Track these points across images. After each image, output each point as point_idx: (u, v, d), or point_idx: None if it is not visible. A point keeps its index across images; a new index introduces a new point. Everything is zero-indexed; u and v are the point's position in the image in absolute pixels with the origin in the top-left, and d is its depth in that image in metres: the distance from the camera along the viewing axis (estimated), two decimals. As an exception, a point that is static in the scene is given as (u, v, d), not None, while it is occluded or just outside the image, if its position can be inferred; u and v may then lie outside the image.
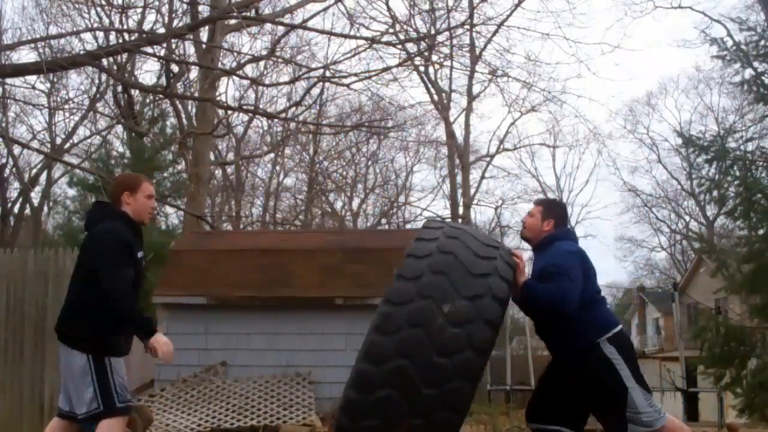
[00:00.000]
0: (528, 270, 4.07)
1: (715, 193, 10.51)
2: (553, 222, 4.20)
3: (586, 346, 3.92)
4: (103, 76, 20.74)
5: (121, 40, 10.91)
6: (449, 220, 4.45)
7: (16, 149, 23.89)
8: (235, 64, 17.37)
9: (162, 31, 14.12)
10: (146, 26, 17.59)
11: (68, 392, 3.98)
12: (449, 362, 3.32)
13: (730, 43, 11.03)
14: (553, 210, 4.30)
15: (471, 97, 27.49)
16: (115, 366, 3.91)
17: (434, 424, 3.33)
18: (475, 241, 3.69)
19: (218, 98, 16.80)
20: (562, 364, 4.07)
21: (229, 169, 27.51)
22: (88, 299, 3.91)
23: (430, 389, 3.31)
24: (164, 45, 12.83)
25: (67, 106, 22.79)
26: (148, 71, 48.83)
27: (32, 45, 18.06)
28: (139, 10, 16.59)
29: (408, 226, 30.27)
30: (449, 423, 3.38)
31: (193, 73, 18.67)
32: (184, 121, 20.14)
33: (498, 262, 3.61)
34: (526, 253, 5.39)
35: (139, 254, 4.00)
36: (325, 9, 16.40)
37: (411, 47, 12.73)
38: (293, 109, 17.82)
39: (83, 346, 3.90)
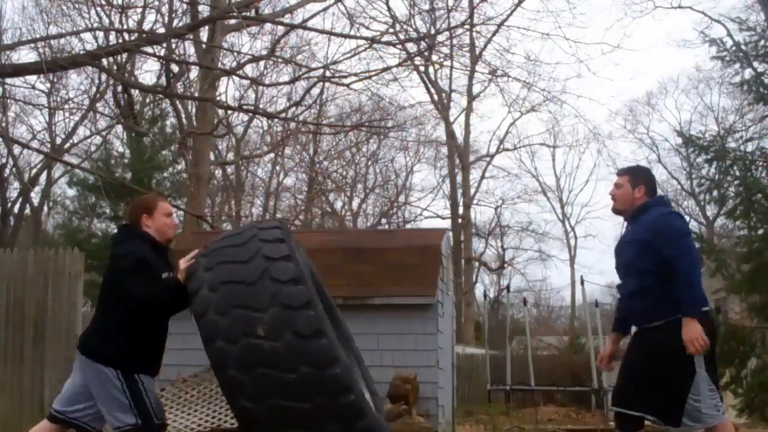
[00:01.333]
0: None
1: (715, 193, 10.50)
2: (644, 188, 4.06)
3: (674, 318, 3.79)
4: (103, 76, 20.74)
5: (121, 40, 10.91)
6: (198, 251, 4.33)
7: (16, 149, 23.93)
8: (235, 64, 17.37)
9: (162, 31, 14.12)
10: (146, 26, 17.58)
11: (77, 399, 3.96)
12: (304, 367, 3.21)
13: (730, 43, 11.03)
14: (642, 176, 4.14)
15: (471, 97, 27.51)
16: (146, 384, 3.91)
17: (338, 416, 3.26)
18: (232, 249, 3.52)
19: (218, 98, 16.79)
20: (643, 338, 3.94)
21: (229, 169, 27.53)
22: (112, 319, 3.91)
23: (311, 401, 3.22)
24: (164, 45, 12.83)
25: (67, 106, 22.79)
26: (148, 71, 48.82)
27: (32, 45, 18.08)
28: (139, 10, 16.59)
29: (408, 226, 30.29)
30: (349, 404, 3.27)
31: (193, 73, 18.69)
32: (184, 121, 20.15)
33: (264, 249, 3.44)
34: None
35: (164, 275, 3.97)
36: (325, 9, 16.39)
37: (411, 47, 12.73)
38: (293, 109, 17.82)
39: (110, 362, 3.88)
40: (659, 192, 4.30)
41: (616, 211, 4.18)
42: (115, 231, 4.40)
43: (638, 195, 4.05)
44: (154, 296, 3.81)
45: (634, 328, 4.17)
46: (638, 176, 4.13)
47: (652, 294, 3.86)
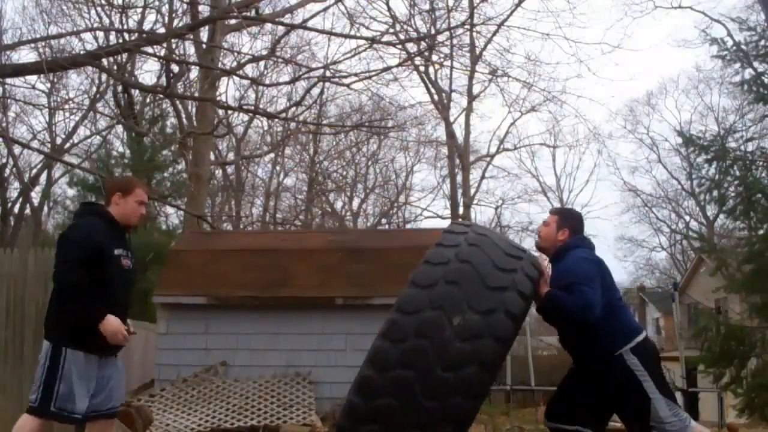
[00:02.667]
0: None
1: (715, 193, 10.51)
2: (568, 231, 4.16)
3: (609, 357, 3.88)
4: (103, 76, 20.76)
5: (121, 40, 10.91)
6: (476, 223, 4.40)
7: (16, 149, 23.93)
8: (235, 64, 17.37)
9: (162, 31, 14.13)
10: (146, 26, 17.62)
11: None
12: (453, 377, 3.24)
13: (730, 43, 11.04)
14: (569, 219, 4.25)
15: (471, 97, 27.50)
16: (74, 365, 3.88)
17: None
18: (498, 249, 3.55)
19: (218, 98, 16.78)
20: (585, 371, 4.04)
21: (229, 169, 27.52)
22: (54, 294, 4.00)
23: (431, 402, 3.24)
24: (164, 45, 12.84)
25: (67, 106, 22.82)
26: (148, 71, 48.85)
27: (32, 45, 18.09)
28: (139, 10, 16.62)
29: (408, 226, 30.29)
30: None
31: (193, 73, 18.69)
32: (184, 121, 20.14)
33: (517, 275, 3.47)
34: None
35: (117, 251, 4.01)
36: (325, 9, 16.41)
37: (411, 47, 12.73)
38: (293, 109, 17.81)
39: (47, 334, 3.98)
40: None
41: (539, 248, 4.31)
42: (76, 209, 4.46)
43: (561, 237, 4.16)
44: (65, 283, 3.87)
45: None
46: (566, 219, 4.24)
47: (583, 336, 3.93)
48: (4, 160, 24.81)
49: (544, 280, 3.81)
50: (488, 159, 31.45)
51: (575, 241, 4.15)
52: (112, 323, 3.84)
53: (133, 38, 10.29)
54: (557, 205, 37.11)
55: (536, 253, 4.18)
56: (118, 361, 4.16)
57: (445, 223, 29.72)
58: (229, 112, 20.49)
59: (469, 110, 27.72)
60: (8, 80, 14.12)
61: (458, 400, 3.26)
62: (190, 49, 18.11)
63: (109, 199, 4.14)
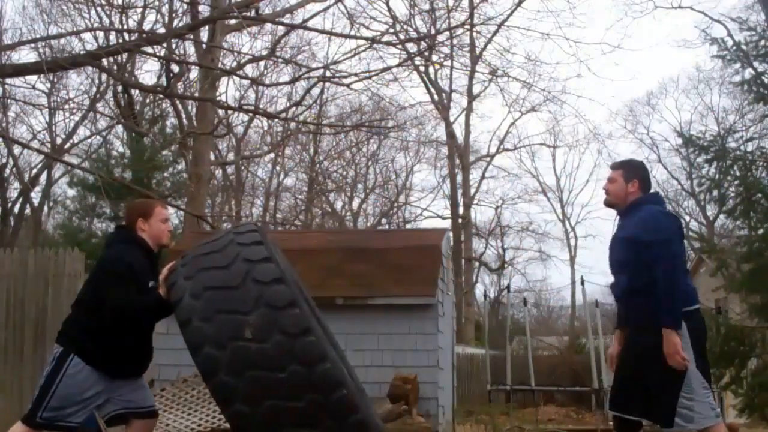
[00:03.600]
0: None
1: (715, 193, 10.50)
2: (637, 183, 4.00)
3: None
4: (103, 76, 20.75)
5: (121, 40, 10.91)
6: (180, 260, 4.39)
7: (16, 149, 23.92)
8: (235, 64, 17.37)
9: (162, 31, 14.13)
10: (146, 26, 17.61)
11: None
12: (295, 365, 3.21)
13: (730, 43, 11.03)
14: (635, 170, 4.07)
15: (471, 97, 27.53)
16: (77, 377, 3.82)
17: (335, 411, 3.26)
18: (210, 256, 3.49)
19: (218, 98, 16.81)
20: (634, 338, 3.91)
21: (229, 169, 27.52)
22: (88, 312, 3.92)
23: (305, 398, 3.21)
24: (164, 45, 12.84)
25: (67, 106, 22.78)
26: (148, 71, 48.83)
27: (32, 45, 18.10)
28: (139, 10, 16.61)
29: (408, 226, 30.29)
30: (342, 399, 3.27)
31: (193, 73, 18.69)
32: (184, 121, 20.15)
33: (243, 252, 3.42)
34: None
35: (150, 284, 3.95)
36: (325, 9, 16.43)
37: (411, 47, 12.73)
38: (293, 109, 17.85)
39: (63, 341, 3.93)
40: (654, 189, 4.28)
41: (609, 204, 4.13)
42: (110, 231, 4.41)
43: (632, 190, 3.99)
44: (131, 309, 3.81)
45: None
46: (632, 171, 4.06)
47: (642, 293, 3.81)
48: (4, 160, 24.82)
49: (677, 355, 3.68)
50: (488, 159, 31.47)
51: (649, 197, 3.99)
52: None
53: (133, 38, 10.29)
54: (557, 204, 37.13)
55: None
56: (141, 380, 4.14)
57: (445, 223, 29.77)
58: (229, 112, 20.51)
59: (469, 110, 27.76)
60: (8, 80, 14.12)
61: (318, 370, 3.22)
62: (190, 49, 18.14)
63: (133, 226, 4.07)
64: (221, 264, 3.43)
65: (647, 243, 3.73)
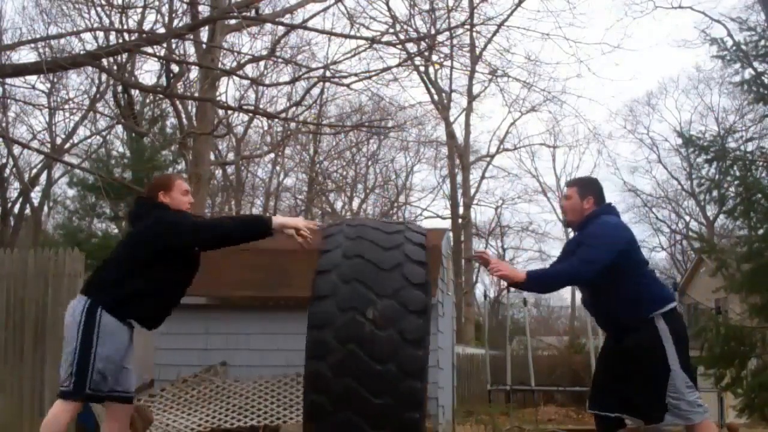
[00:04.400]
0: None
1: (715, 193, 10.50)
2: (592, 199, 4.09)
3: (639, 320, 3.82)
4: (103, 76, 20.74)
5: (121, 40, 10.91)
6: (347, 218, 4.43)
7: (16, 149, 23.92)
8: (235, 64, 17.35)
9: (162, 31, 14.13)
10: (146, 26, 17.60)
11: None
12: (392, 366, 3.24)
13: (730, 43, 11.03)
14: (589, 186, 4.18)
15: (471, 97, 27.51)
16: (107, 332, 3.75)
17: (400, 428, 3.28)
18: (378, 233, 3.56)
19: (218, 98, 16.80)
20: (613, 342, 3.98)
21: (229, 169, 27.53)
22: (118, 271, 3.88)
23: (383, 399, 3.23)
24: (164, 45, 12.83)
25: (67, 106, 22.78)
26: (148, 71, 48.76)
27: (32, 45, 18.08)
28: (139, 10, 16.61)
29: (408, 226, 30.25)
30: (413, 422, 3.31)
31: (193, 73, 18.68)
32: (184, 121, 20.13)
33: (406, 247, 3.48)
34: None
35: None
36: (325, 9, 16.38)
37: (411, 47, 12.73)
38: (293, 109, 17.80)
39: (89, 293, 3.83)
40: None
41: (568, 224, 4.29)
42: (134, 203, 4.39)
43: (587, 206, 4.10)
44: (218, 225, 4.04)
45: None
46: (586, 187, 4.18)
47: (611, 297, 3.90)
48: (4, 160, 24.82)
49: (497, 263, 3.81)
50: (488, 159, 31.46)
51: (602, 209, 4.08)
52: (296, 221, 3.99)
53: (133, 38, 10.29)
54: (557, 205, 37.14)
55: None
56: (133, 347, 4.10)
57: (445, 223, 29.76)
58: (229, 112, 20.48)
59: (469, 110, 27.74)
60: (8, 80, 14.12)
61: (407, 384, 3.26)
62: (190, 49, 18.13)
63: (156, 199, 4.07)
64: (383, 244, 3.48)
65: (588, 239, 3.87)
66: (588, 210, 4.09)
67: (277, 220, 3.88)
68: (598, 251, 3.80)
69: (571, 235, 4.34)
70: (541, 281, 3.87)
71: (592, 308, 4.14)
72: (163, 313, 4.09)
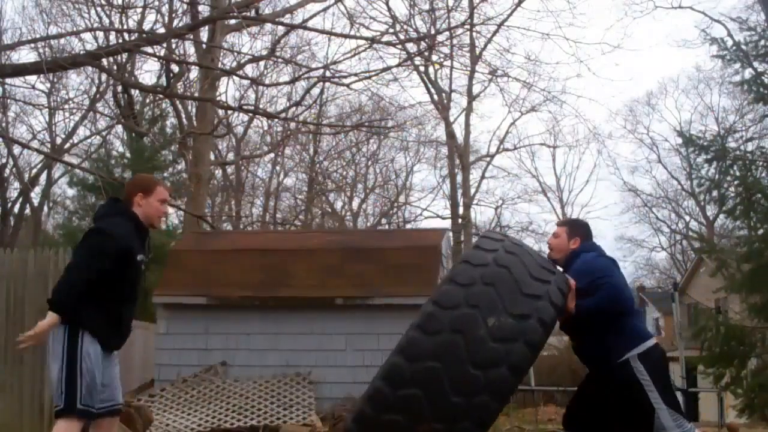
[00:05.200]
0: None
1: (715, 193, 10.52)
2: (579, 240, 4.23)
3: (615, 363, 3.88)
4: (103, 76, 20.75)
5: (121, 40, 10.91)
6: (510, 236, 4.51)
7: (16, 149, 23.92)
8: (235, 64, 17.37)
9: (162, 31, 14.13)
10: (146, 26, 17.61)
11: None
12: (482, 375, 3.26)
13: (730, 43, 11.04)
14: (578, 228, 4.33)
15: (471, 97, 27.49)
16: (89, 354, 3.76)
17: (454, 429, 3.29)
18: (533, 260, 3.63)
19: (218, 98, 16.80)
20: (595, 378, 4.05)
21: (229, 169, 27.51)
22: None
23: (457, 398, 3.26)
24: (164, 45, 12.84)
25: (67, 106, 22.81)
26: (148, 71, 48.86)
27: (32, 45, 18.07)
28: (139, 10, 16.62)
29: (408, 226, 30.29)
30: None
31: (193, 73, 18.70)
32: (184, 121, 20.15)
33: (551, 287, 3.53)
34: None
35: (139, 257, 3.95)
36: (325, 9, 16.43)
37: (411, 47, 12.74)
38: (293, 109, 17.81)
39: (65, 318, 3.81)
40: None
41: (552, 260, 4.28)
42: (102, 203, 4.35)
43: (573, 246, 4.22)
44: (73, 289, 3.78)
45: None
46: (576, 229, 4.31)
47: (595, 338, 3.94)
48: (4, 160, 24.81)
49: (572, 295, 3.81)
50: (488, 159, 31.43)
51: (586, 246, 4.20)
52: (44, 327, 3.80)
53: (133, 38, 10.30)
54: (557, 205, 37.13)
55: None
56: (116, 358, 4.10)
57: (445, 223, 29.74)
58: (229, 112, 20.50)
59: (469, 110, 27.72)
60: (8, 80, 14.13)
61: (485, 399, 3.27)
62: (190, 49, 18.12)
63: (131, 199, 4.02)
64: (538, 276, 3.54)
65: (584, 289, 3.88)
66: (573, 250, 4.22)
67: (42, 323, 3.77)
68: (618, 279, 3.92)
69: None
70: (583, 309, 3.83)
71: (581, 355, 4.20)
72: (119, 328, 3.99)
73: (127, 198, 4.06)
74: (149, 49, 10.71)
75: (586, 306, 3.83)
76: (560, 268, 4.22)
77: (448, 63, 19.49)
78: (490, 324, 3.32)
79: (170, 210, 21.74)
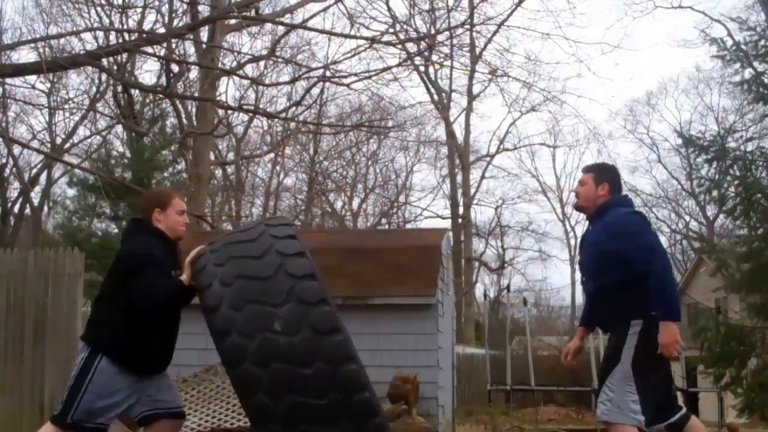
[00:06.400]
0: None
1: (715, 193, 10.52)
2: (607, 186, 4.01)
3: (628, 321, 3.78)
4: (103, 76, 20.76)
5: (121, 40, 10.90)
6: (221, 235, 4.35)
7: (16, 149, 23.94)
8: (235, 64, 17.37)
9: (162, 31, 14.12)
10: (146, 26, 17.60)
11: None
12: (322, 365, 3.20)
13: (730, 42, 11.04)
14: (606, 173, 4.09)
15: (471, 97, 27.54)
16: (100, 378, 3.79)
17: (363, 428, 3.25)
18: (241, 245, 3.48)
19: (218, 98, 16.80)
20: (609, 339, 4.00)
21: (229, 169, 27.52)
22: (110, 309, 3.87)
23: (326, 398, 3.21)
24: (164, 45, 12.83)
25: (67, 106, 22.82)
26: (148, 71, 48.85)
27: (32, 45, 18.08)
28: (139, 10, 16.60)
29: (408, 226, 30.30)
30: (368, 412, 3.28)
31: (193, 73, 18.71)
32: (184, 121, 20.16)
33: (274, 242, 3.42)
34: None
35: (173, 273, 3.91)
36: (325, 9, 16.45)
37: (411, 47, 12.73)
38: (293, 109, 17.80)
39: (90, 340, 3.87)
40: (624, 191, 4.30)
41: (579, 208, 4.16)
42: (125, 225, 4.34)
43: (601, 193, 4.01)
44: (159, 296, 3.75)
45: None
46: (603, 174, 4.08)
47: (612, 297, 3.85)
48: (4, 160, 24.83)
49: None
50: (488, 159, 31.47)
51: (617, 200, 4.00)
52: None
53: (133, 38, 10.29)
54: (557, 204, 37.14)
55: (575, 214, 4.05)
56: (165, 376, 4.10)
57: (445, 223, 29.74)
58: (229, 112, 20.50)
59: (469, 110, 27.77)
60: (8, 80, 14.13)
61: (344, 369, 3.22)
62: (190, 49, 18.14)
63: (149, 216, 4.00)
64: (254, 254, 3.41)
65: (628, 244, 3.76)
66: (602, 198, 4.00)
67: (183, 276, 3.74)
68: (654, 252, 3.72)
69: (577, 218, 4.25)
70: (666, 305, 3.69)
71: (591, 304, 4.10)
72: (157, 355, 3.98)
73: (146, 216, 4.03)
74: (149, 49, 10.70)
75: (660, 269, 3.68)
76: (588, 219, 4.11)
77: (448, 63, 19.51)
78: (280, 329, 3.24)
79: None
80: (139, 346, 3.83)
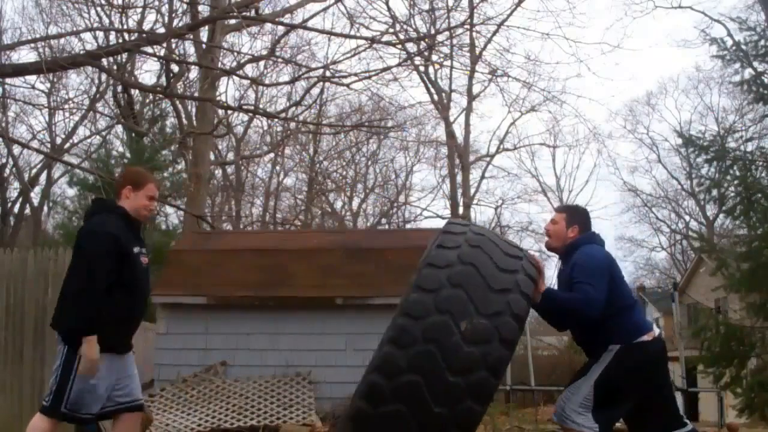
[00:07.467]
0: (553, 278, 4.01)
1: (715, 192, 10.53)
2: (577, 228, 4.14)
3: (604, 348, 3.87)
4: (103, 76, 20.77)
5: (121, 40, 10.91)
6: (472, 222, 4.36)
7: (16, 149, 23.94)
8: (235, 64, 17.37)
9: (162, 31, 14.11)
10: (146, 26, 17.63)
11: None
12: (462, 381, 3.22)
13: (730, 42, 11.05)
14: (577, 215, 4.23)
15: (471, 97, 27.49)
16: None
17: None
18: (498, 250, 3.51)
19: (218, 98, 16.81)
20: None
21: (229, 169, 27.53)
22: (71, 289, 3.99)
23: (440, 408, 3.22)
24: (164, 45, 12.83)
25: (67, 106, 22.79)
26: (148, 71, 48.91)
27: (32, 45, 18.09)
28: (139, 10, 16.62)
29: (408, 226, 30.29)
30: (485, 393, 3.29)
31: (193, 73, 18.68)
32: (184, 121, 20.15)
33: (519, 276, 3.44)
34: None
35: (135, 249, 3.96)
36: (325, 9, 16.47)
37: (411, 47, 12.73)
38: (293, 109, 17.82)
39: (61, 334, 3.97)
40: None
41: (550, 248, 4.26)
42: (89, 203, 4.43)
43: (571, 234, 4.13)
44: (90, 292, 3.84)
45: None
46: (574, 216, 4.21)
47: (594, 329, 3.91)
48: (4, 160, 24.83)
49: (542, 278, 3.74)
50: (488, 159, 31.44)
51: (585, 238, 4.11)
52: (94, 353, 3.80)
53: (133, 38, 10.29)
54: (557, 204, 37.12)
55: (536, 253, 4.16)
56: (131, 356, 4.12)
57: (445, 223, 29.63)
58: (229, 112, 20.52)
59: (469, 110, 27.72)
60: (8, 80, 14.14)
61: (468, 405, 3.24)
62: (190, 49, 18.14)
63: (120, 191, 4.07)
64: (503, 266, 3.45)
65: (573, 281, 3.86)
66: (571, 238, 4.13)
67: (89, 347, 3.81)
68: (597, 291, 3.78)
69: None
70: (550, 302, 3.78)
71: (579, 342, 4.20)
72: (123, 334, 4.03)
73: (117, 189, 4.10)
74: (149, 49, 10.70)
75: (555, 297, 3.78)
76: (559, 259, 4.22)
77: (447, 63, 19.50)
78: (463, 328, 3.25)
79: (170, 210, 21.78)
80: (116, 321, 3.89)
